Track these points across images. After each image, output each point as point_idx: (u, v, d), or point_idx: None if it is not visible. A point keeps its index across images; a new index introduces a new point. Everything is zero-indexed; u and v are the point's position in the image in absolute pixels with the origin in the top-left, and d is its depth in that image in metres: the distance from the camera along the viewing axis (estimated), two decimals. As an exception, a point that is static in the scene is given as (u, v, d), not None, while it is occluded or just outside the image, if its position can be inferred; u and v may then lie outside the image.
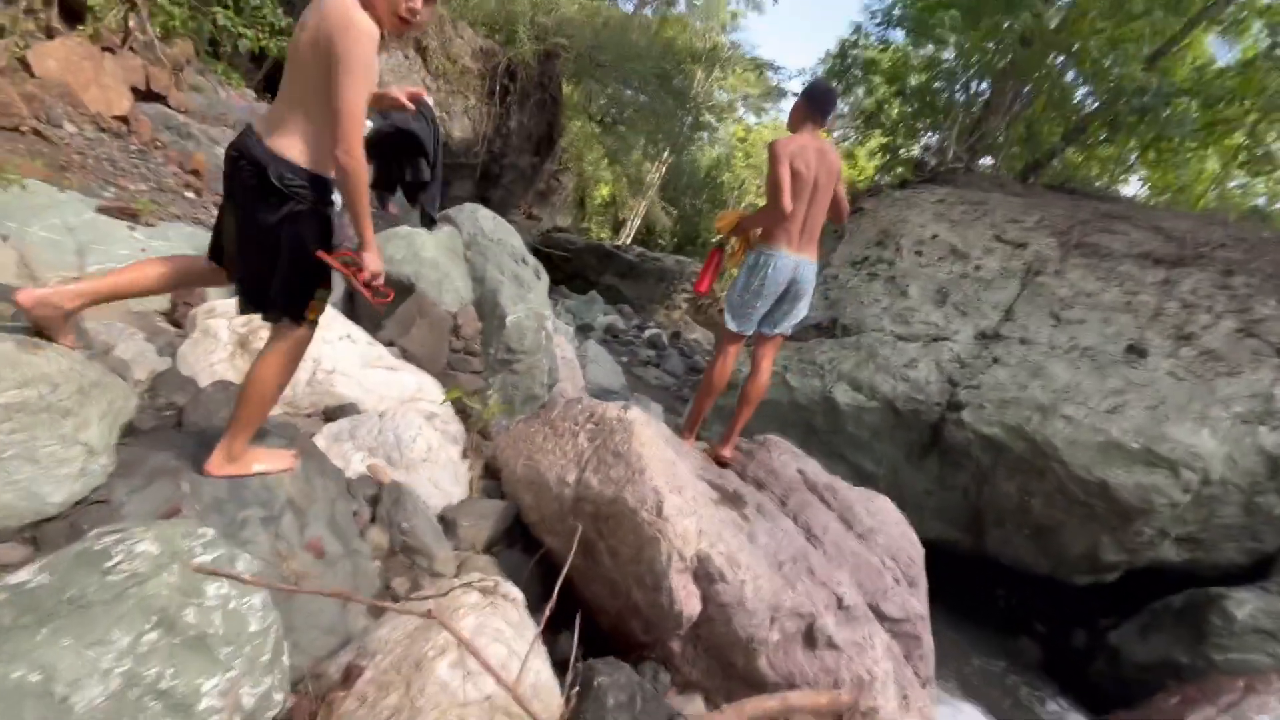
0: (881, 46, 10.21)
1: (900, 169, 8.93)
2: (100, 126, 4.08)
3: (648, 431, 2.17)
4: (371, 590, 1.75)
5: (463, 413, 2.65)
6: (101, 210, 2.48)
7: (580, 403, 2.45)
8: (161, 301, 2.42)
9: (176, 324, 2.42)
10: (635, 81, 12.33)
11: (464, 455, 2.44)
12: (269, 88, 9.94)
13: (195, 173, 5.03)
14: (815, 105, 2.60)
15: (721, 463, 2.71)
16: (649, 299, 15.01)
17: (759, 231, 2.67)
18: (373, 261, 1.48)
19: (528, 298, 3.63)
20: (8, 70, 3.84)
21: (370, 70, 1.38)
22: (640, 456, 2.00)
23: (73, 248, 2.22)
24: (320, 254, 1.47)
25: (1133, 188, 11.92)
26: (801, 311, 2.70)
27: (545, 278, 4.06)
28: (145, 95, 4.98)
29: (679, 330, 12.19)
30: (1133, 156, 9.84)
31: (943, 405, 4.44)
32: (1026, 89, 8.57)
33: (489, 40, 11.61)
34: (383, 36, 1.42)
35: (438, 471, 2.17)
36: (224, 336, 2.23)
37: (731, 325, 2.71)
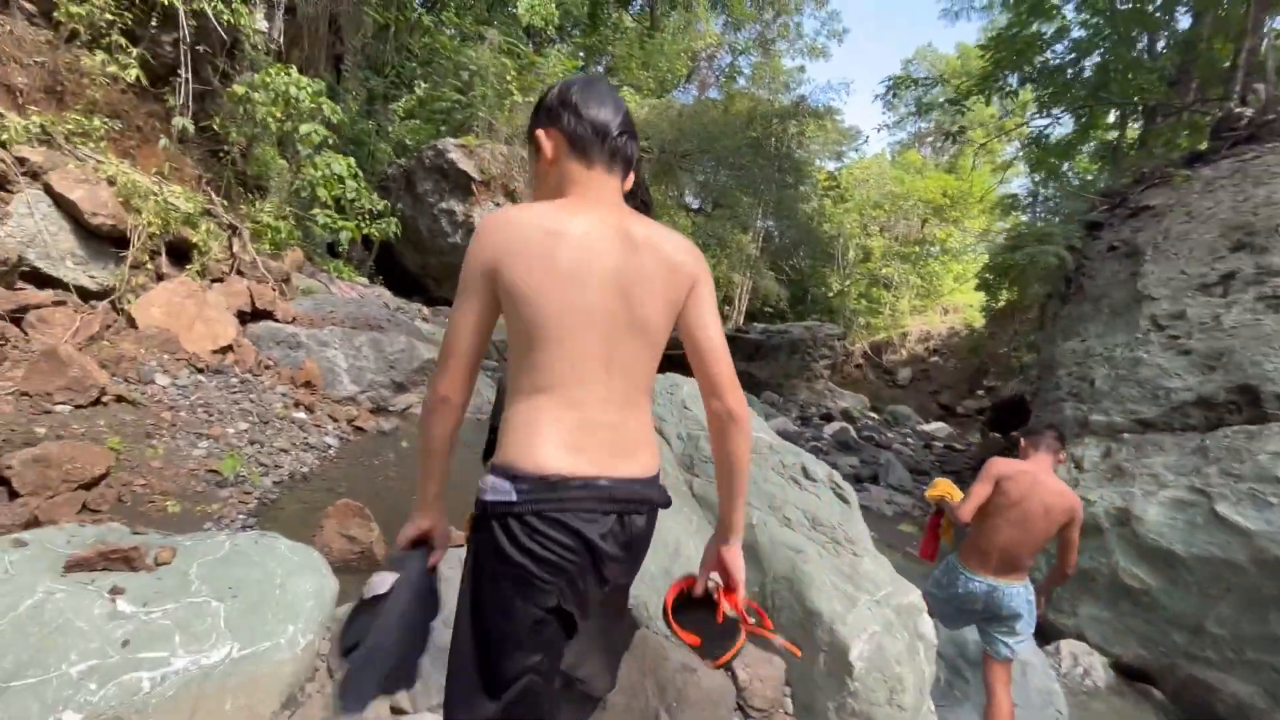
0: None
1: (1185, 139, 6.79)
2: (197, 368, 3.50)
3: None
4: None
5: None
6: (71, 568, 1.41)
7: None
8: None
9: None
10: (729, 159, 11.55)
11: None
12: (380, 269, 10.24)
13: (308, 384, 4.47)
14: (1035, 436, 2.53)
15: None
16: (785, 375, 13.37)
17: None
18: None
19: (865, 577, 1.88)
20: (103, 332, 3.38)
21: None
22: None
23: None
24: None
25: None
26: (1021, 634, 2.36)
27: (855, 501, 2.36)
28: (254, 315, 4.62)
29: (848, 410, 10.29)
30: None
31: None
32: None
33: (571, 166, 11.50)
34: None
35: None
36: None
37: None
